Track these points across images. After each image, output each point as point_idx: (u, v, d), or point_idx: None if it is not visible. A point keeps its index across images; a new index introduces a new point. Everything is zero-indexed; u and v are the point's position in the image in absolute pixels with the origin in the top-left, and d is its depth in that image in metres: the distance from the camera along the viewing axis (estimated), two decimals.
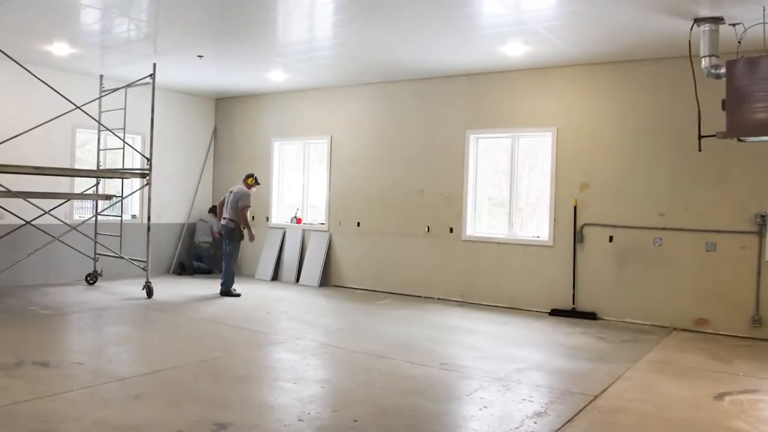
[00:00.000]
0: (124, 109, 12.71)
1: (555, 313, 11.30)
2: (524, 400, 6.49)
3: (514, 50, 10.51)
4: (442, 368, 7.60)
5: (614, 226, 10.97)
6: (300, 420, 5.67)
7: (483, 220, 12.63)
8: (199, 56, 11.68)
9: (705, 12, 8.20)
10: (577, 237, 11.22)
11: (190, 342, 8.75)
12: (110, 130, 12.40)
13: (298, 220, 14.96)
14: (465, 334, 9.65)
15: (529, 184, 12.38)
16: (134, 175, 12.72)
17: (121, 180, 12.97)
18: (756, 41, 8.39)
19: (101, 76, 13.04)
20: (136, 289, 12.31)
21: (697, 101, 8.88)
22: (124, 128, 12.63)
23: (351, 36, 10.18)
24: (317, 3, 8.83)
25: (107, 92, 12.87)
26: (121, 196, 13.15)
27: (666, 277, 10.49)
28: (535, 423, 5.78)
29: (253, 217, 15.56)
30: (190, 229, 15.92)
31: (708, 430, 5.79)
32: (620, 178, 10.93)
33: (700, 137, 8.88)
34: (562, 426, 5.72)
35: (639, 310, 10.67)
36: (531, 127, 11.86)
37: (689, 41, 8.68)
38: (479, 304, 12.09)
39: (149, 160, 12.04)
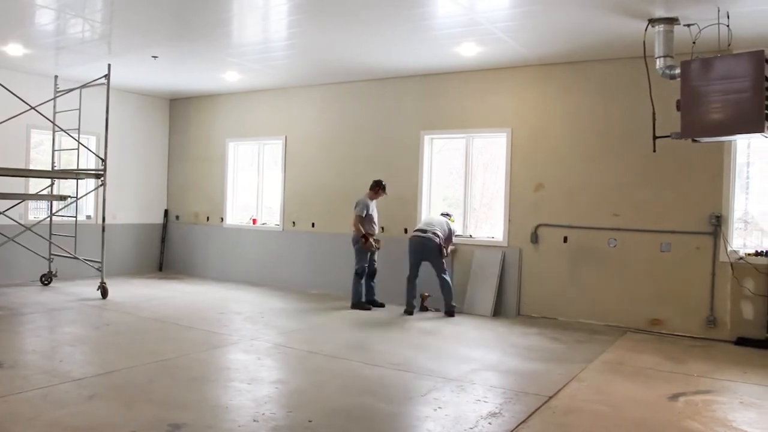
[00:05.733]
0: (79, 109, 12.65)
1: None
2: (479, 400, 6.54)
3: (468, 51, 10.59)
4: (396, 369, 7.67)
5: (569, 227, 11.07)
6: (254, 421, 5.72)
7: None
8: (153, 57, 11.67)
9: (660, 13, 8.29)
10: (532, 237, 11.34)
11: (144, 343, 8.73)
12: (65, 131, 12.31)
13: (253, 221, 14.97)
14: (420, 335, 9.73)
15: (484, 184, 12.48)
16: (89, 175, 12.65)
17: (75, 180, 12.89)
18: (710, 42, 8.44)
19: (56, 77, 12.95)
20: (90, 289, 12.25)
21: (652, 102, 8.94)
22: (78, 129, 12.57)
23: (305, 37, 10.21)
24: (271, 3, 8.89)
25: (62, 93, 12.78)
26: (76, 197, 13.07)
27: (620, 277, 10.59)
28: (489, 424, 5.84)
29: (208, 217, 15.58)
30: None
31: (662, 431, 5.86)
32: (575, 178, 11.03)
33: (655, 138, 8.91)
34: (517, 426, 5.78)
35: (593, 311, 10.77)
36: (485, 128, 11.94)
37: (644, 42, 8.72)
38: (435, 305, 12.05)
39: (104, 160, 11.99)
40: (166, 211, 16.45)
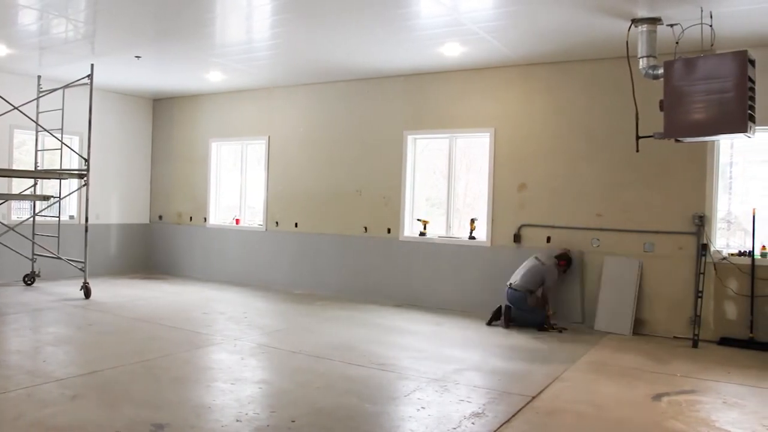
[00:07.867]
0: (62, 109, 12.60)
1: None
2: (462, 400, 6.54)
3: (452, 51, 10.59)
4: (380, 369, 7.67)
5: (552, 227, 11.09)
6: (238, 420, 5.71)
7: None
8: (136, 57, 11.63)
9: (643, 13, 8.31)
10: (515, 237, 11.34)
11: (127, 343, 8.69)
12: (48, 131, 12.29)
13: (237, 221, 14.94)
14: (403, 335, 9.72)
15: (467, 184, 12.49)
16: (72, 175, 12.60)
17: (58, 180, 12.85)
18: (693, 42, 8.50)
19: (39, 77, 12.90)
20: (74, 289, 12.21)
21: (635, 102, 8.95)
22: (61, 129, 12.53)
23: (289, 37, 10.19)
24: (255, 3, 8.86)
25: (45, 93, 12.72)
26: (59, 197, 13.03)
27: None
28: (472, 424, 5.84)
29: (191, 217, 15.54)
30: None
31: (645, 431, 5.88)
32: (558, 178, 11.05)
33: (638, 138, 8.92)
34: (500, 427, 5.78)
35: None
36: (469, 128, 11.95)
37: (627, 42, 8.78)
38: (417, 304, 12.13)
39: (87, 160, 11.95)
40: (149, 211, 16.39)
